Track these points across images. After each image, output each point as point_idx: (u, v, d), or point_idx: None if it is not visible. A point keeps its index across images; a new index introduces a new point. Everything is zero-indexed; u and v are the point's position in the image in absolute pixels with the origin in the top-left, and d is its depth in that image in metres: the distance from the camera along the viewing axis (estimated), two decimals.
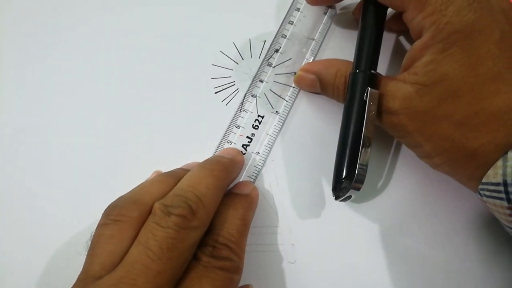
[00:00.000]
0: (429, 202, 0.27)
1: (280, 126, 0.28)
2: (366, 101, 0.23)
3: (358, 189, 0.22)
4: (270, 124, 0.28)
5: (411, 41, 0.25)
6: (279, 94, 0.28)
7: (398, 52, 0.29)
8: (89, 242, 0.21)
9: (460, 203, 0.26)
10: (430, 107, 0.21)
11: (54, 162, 0.28)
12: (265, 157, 0.28)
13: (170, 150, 0.28)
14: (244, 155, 0.27)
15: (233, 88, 0.29)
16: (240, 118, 0.28)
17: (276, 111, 0.28)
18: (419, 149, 0.23)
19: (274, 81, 0.29)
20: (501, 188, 0.20)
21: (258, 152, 0.28)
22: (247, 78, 0.29)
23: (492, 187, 0.20)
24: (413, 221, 0.26)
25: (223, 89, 0.29)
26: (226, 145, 0.28)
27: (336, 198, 0.24)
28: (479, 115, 0.20)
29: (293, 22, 0.29)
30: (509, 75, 0.20)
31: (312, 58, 0.29)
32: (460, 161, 0.21)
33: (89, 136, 0.28)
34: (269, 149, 0.28)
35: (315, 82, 0.26)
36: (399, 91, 0.22)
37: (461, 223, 0.26)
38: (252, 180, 0.27)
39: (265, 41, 0.30)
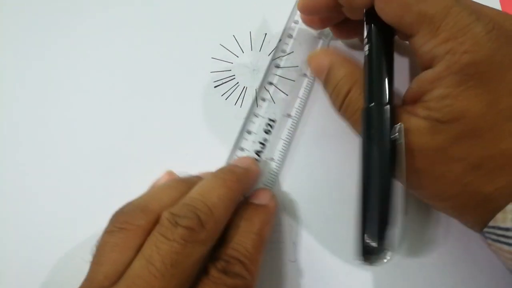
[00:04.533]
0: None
1: (293, 130, 0.27)
2: (397, 142, 0.19)
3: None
4: (283, 128, 0.27)
5: None
6: (290, 97, 0.27)
7: None
8: (94, 248, 0.20)
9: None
10: (442, 147, 0.19)
11: (61, 167, 0.27)
12: (280, 162, 0.26)
13: (170, 145, 0.27)
14: (258, 163, 0.26)
15: (233, 82, 0.28)
16: (251, 124, 0.27)
17: (288, 114, 0.27)
18: (424, 190, 0.21)
19: (284, 84, 0.27)
20: (510, 233, 0.18)
21: (273, 158, 0.26)
22: (247, 72, 0.29)
23: (500, 232, 0.18)
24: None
25: (223, 83, 0.28)
26: (239, 152, 0.26)
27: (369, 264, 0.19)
28: (496, 158, 0.18)
29: (298, 21, 0.28)
30: None
31: None
32: (470, 207, 0.19)
33: (94, 137, 0.28)
34: (284, 154, 0.26)
35: (324, 70, 0.24)
36: (407, 123, 0.19)
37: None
38: (269, 187, 0.26)
39: (265, 33, 0.29)
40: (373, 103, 0.20)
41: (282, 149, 0.26)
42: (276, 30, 0.29)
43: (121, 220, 0.20)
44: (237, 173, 0.23)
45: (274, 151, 0.26)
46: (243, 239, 0.21)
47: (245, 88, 0.28)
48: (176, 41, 0.29)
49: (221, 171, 0.23)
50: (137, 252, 0.19)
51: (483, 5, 0.21)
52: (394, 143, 0.19)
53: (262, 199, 0.24)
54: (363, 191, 0.20)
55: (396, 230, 0.18)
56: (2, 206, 0.27)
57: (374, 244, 0.18)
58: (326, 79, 0.24)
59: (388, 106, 0.20)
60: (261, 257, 0.22)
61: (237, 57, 0.29)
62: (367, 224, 0.19)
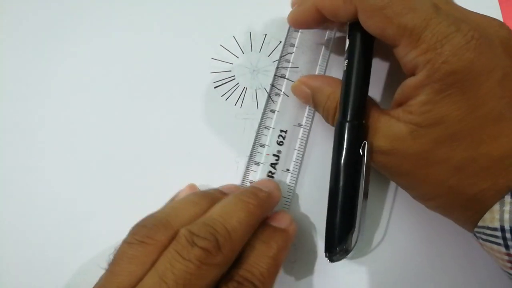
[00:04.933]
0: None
1: (305, 139, 0.27)
2: (362, 157, 0.21)
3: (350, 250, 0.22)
4: (295, 138, 0.27)
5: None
6: (298, 106, 0.27)
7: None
8: (111, 257, 0.20)
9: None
10: (424, 150, 0.20)
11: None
12: (297, 173, 0.27)
13: (170, 145, 0.27)
14: (274, 175, 0.26)
15: (233, 83, 0.28)
16: (263, 136, 0.27)
17: (299, 124, 0.27)
18: (412, 191, 0.22)
19: (291, 93, 0.27)
20: (499, 233, 0.19)
21: (288, 169, 0.27)
22: (247, 72, 0.29)
23: (489, 231, 0.19)
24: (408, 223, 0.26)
25: (223, 84, 0.28)
26: (254, 167, 0.27)
27: (331, 261, 0.22)
28: (478, 160, 0.19)
29: (299, 29, 0.28)
30: (511, 117, 0.19)
31: (325, 64, 0.28)
32: (457, 206, 0.20)
33: (92, 143, 0.28)
34: (299, 164, 0.27)
35: (309, 97, 0.25)
36: (391, 129, 0.21)
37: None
38: (287, 200, 0.26)
39: (265, 34, 0.29)
40: (343, 119, 0.22)
41: (296, 159, 0.27)
42: (276, 31, 0.29)
43: (142, 234, 0.20)
44: (260, 197, 0.22)
45: (289, 162, 0.27)
46: (258, 261, 0.21)
47: (245, 88, 0.28)
48: (176, 42, 0.29)
49: (245, 193, 0.22)
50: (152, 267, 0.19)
51: (469, 12, 0.21)
52: (359, 158, 0.21)
53: (282, 222, 0.23)
54: (330, 199, 0.22)
55: (356, 234, 0.22)
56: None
57: (337, 245, 0.22)
58: (314, 104, 0.26)
59: (355, 123, 0.22)
60: (274, 282, 0.21)
61: (237, 57, 0.29)
62: (333, 228, 0.22)
